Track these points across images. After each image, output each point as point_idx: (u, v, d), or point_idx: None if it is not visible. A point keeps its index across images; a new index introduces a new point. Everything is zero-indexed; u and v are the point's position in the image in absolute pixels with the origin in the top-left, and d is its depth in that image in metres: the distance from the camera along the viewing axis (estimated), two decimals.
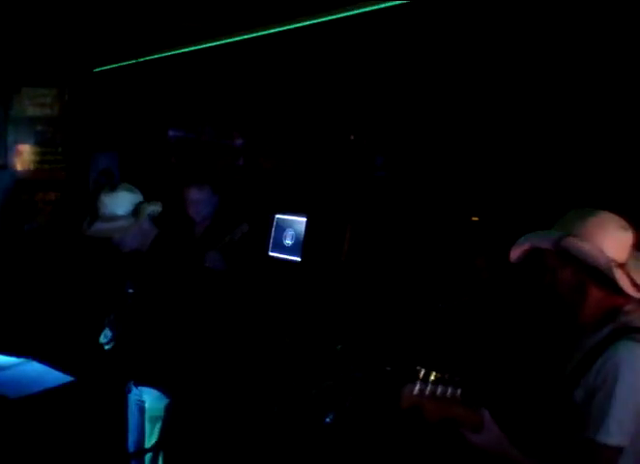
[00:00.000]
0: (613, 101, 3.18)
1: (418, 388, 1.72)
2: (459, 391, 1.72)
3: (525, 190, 3.64)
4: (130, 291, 3.11)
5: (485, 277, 3.43)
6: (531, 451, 1.80)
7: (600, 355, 1.76)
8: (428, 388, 1.72)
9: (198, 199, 3.79)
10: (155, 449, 3.11)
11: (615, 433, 1.68)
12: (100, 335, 3.16)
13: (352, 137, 4.82)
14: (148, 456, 3.15)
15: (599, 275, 1.80)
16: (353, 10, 3.39)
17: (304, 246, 4.80)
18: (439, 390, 1.72)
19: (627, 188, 2.97)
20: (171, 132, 6.05)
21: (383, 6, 3.27)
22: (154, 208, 3.09)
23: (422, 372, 1.74)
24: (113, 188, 3.05)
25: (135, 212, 3.01)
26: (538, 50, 3.41)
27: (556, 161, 3.48)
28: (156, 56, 4.95)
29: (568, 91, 3.36)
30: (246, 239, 3.82)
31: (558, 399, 1.86)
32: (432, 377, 1.74)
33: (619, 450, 1.69)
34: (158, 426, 3.10)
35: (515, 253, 1.95)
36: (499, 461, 1.82)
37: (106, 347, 3.12)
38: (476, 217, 3.98)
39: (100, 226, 2.98)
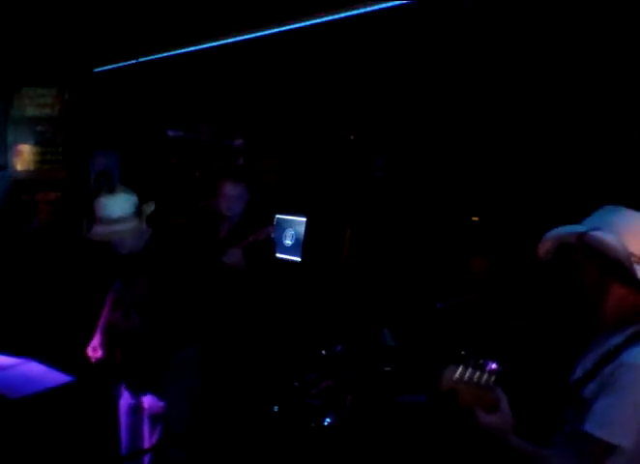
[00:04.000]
0: (611, 104, 3.18)
1: (458, 372, 1.73)
2: (493, 379, 1.73)
3: (525, 191, 3.64)
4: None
5: (479, 280, 3.43)
6: (533, 440, 1.81)
7: (617, 356, 1.75)
8: (468, 373, 1.73)
9: (232, 195, 3.80)
10: (152, 449, 3.11)
11: (616, 433, 1.68)
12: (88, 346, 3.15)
13: (352, 137, 4.82)
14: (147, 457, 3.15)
15: (623, 272, 1.79)
16: (353, 10, 3.39)
17: (304, 246, 4.80)
18: (476, 375, 1.73)
19: (630, 187, 2.98)
20: (171, 132, 6.05)
21: (383, 6, 3.27)
22: (152, 208, 3.09)
23: (465, 356, 1.76)
24: (111, 190, 3.04)
25: (137, 213, 3.01)
26: (538, 51, 3.41)
27: (555, 161, 3.48)
28: (156, 56, 4.95)
29: (567, 96, 3.36)
30: (269, 241, 3.82)
31: (570, 394, 1.87)
32: (473, 363, 1.75)
33: (614, 448, 1.69)
34: (158, 426, 3.10)
35: (543, 250, 1.93)
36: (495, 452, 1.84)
37: (93, 360, 3.11)
38: (476, 217, 3.98)
39: (102, 229, 2.95)
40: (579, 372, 1.89)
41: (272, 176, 5.38)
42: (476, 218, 3.98)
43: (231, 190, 3.80)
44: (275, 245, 4.02)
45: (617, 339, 1.80)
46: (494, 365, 1.74)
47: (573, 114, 3.36)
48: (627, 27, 2.98)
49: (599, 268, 1.82)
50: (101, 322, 3.24)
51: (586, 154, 3.31)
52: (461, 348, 1.78)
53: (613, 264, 1.79)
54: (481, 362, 1.74)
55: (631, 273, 1.76)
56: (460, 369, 1.74)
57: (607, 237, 1.77)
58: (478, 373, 1.73)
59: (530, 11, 3.24)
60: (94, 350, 3.12)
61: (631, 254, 1.77)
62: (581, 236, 1.81)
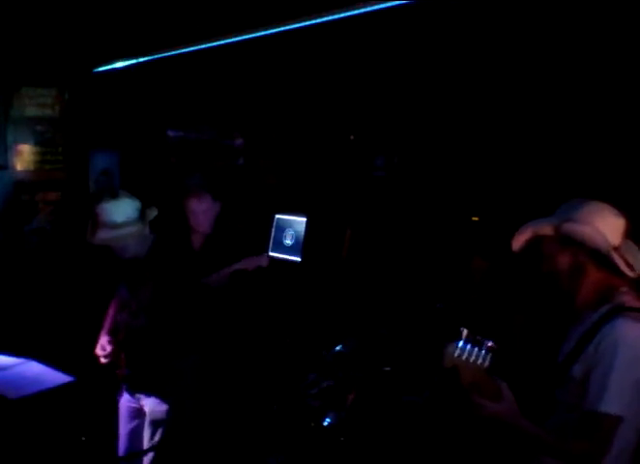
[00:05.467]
0: (607, 106, 3.19)
1: (459, 349, 1.80)
2: (489, 358, 1.79)
3: (524, 190, 3.64)
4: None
5: (479, 280, 3.43)
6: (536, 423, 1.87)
7: (598, 332, 1.86)
8: (467, 349, 1.80)
9: (199, 210, 3.74)
10: (149, 451, 3.10)
11: (615, 403, 1.77)
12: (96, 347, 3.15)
13: (352, 137, 4.82)
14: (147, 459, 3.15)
15: (597, 257, 1.92)
16: (353, 10, 3.39)
17: (304, 246, 4.80)
18: (474, 353, 1.80)
19: (621, 186, 2.99)
20: (171, 132, 6.05)
21: (383, 6, 3.27)
22: (154, 212, 3.10)
23: (465, 333, 1.82)
24: (113, 195, 3.04)
25: (141, 217, 3.01)
26: (535, 51, 3.41)
27: (553, 160, 3.48)
28: (156, 56, 4.95)
29: (565, 96, 3.36)
30: (262, 271, 3.77)
31: (558, 375, 1.96)
32: (472, 339, 1.82)
33: (619, 420, 1.78)
34: (159, 430, 3.10)
35: (517, 242, 2.04)
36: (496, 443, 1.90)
37: (103, 360, 3.10)
38: (476, 216, 3.98)
39: (106, 234, 2.95)
40: (565, 353, 1.99)
41: (272, 176, 5.38)
42: (476, 218, 3.98)
43: (197, 206, 3.72)
44: (267, 274, 3.92)
45: (594, 317, 1.92)
46: (490, 343, 1.81)
47: (571, 113, 3.37)
48: (627, 27, 2.98)
49: (575, 256, 1.95)
50: (107, 323, 3.23)
51: (585, 154, 3.31)
52: (460, 326, 1.83)
53: (589, 251, 1.92)
54: (479, 338, 1.81)
55: (610, 259, 1.88)
56: (460, 345, 1.81)
57: (585, 227, 1.89)
58: (476, 350, 1.80)
59: (529, 12, 3.24)
60: (102, 348, 3.11)
61: (608, 242, 1.89)
62: (558, 227, 1.94)
